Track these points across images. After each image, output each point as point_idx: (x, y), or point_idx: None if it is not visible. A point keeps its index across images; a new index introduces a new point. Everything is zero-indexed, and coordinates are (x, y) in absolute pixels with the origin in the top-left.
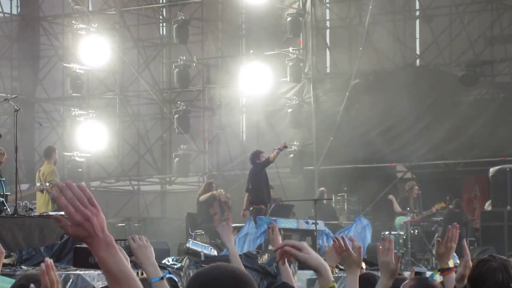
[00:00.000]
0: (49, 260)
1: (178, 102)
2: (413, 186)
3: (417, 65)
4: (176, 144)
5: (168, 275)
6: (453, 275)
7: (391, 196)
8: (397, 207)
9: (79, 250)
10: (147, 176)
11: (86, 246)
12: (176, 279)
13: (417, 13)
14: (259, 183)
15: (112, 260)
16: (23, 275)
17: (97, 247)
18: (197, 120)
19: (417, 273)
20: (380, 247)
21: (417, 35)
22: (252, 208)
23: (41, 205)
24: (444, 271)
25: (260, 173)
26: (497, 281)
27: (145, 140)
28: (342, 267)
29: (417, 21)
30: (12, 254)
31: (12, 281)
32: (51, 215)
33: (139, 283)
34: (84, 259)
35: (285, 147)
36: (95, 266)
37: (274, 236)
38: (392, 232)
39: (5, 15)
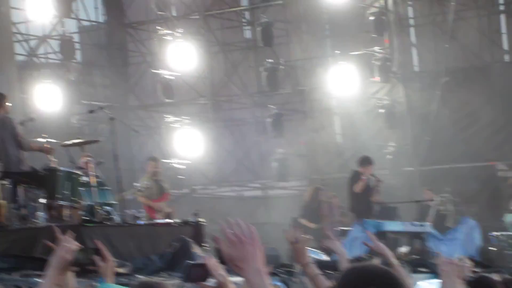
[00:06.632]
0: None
1: (270, 106)
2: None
3: (506, 60)
4: (271, 148)
5: (276, 283)
6: None
7: None
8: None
9: (194, 267)
10: (247, 181)
11: (202, 263)
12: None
13: (501, 7)
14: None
15: (255, 285)
16: (140, 282)
17: (246, 271)
18: (289, 123)
19: None
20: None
21: (503, 30)
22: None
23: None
24: None
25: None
26: None
27: (241, 145)
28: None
29: (502, 16)
30: (127, 264)
31: None
32: (159, 223)
33: None
34: (201, 276)
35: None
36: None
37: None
38: (503, 233)
39: (92, 23)
